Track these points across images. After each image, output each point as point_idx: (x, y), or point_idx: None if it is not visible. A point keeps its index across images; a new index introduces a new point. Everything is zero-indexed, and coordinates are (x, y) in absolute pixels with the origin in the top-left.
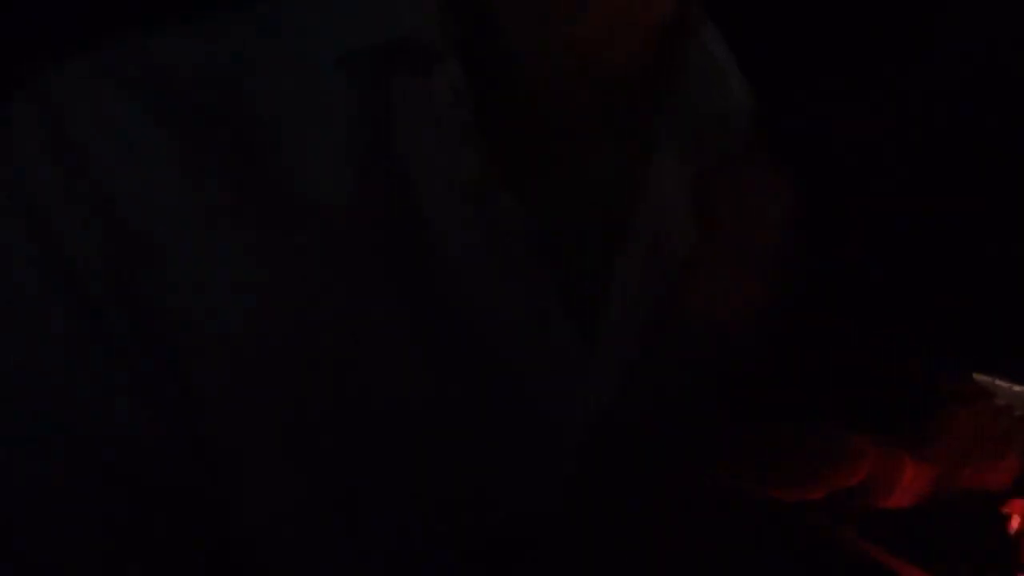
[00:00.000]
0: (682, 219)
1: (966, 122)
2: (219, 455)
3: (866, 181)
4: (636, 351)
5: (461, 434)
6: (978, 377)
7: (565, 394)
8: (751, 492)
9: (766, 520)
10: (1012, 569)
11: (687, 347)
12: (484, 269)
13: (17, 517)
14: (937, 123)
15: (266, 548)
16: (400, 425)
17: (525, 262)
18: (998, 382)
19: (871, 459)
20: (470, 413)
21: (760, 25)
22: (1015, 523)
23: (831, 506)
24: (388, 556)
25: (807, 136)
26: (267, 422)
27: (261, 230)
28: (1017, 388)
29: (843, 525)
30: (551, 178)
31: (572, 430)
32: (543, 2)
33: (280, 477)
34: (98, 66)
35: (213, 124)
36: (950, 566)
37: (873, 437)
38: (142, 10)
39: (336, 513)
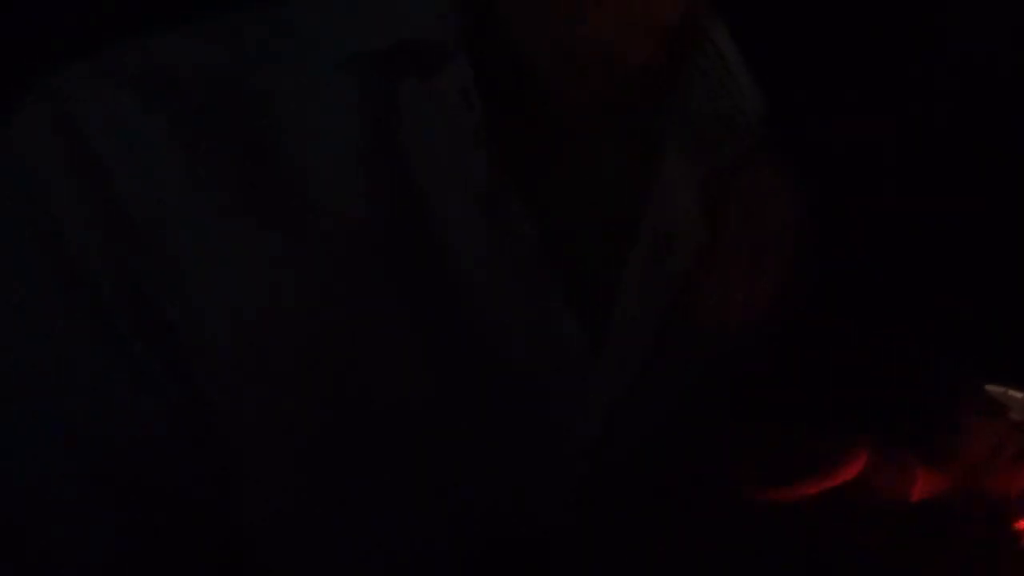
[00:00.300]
0: (690, 219)
1: (966, 122)
2: (221, 455)
3: (868, 181)
4: (643, 352)
5: (463, 435)
6: (991, 388)
7: (572, 395)
8: (751, 492)
9: (766, 520)
10: None
11: (694, 348)
12: (490, 270)
13: (17, 517)
14: (938, 123)
15: (267, 548)
16: (402, 425)
17: (531, 263)
18: (1011, 392)
19: (874, 465)
20: (473, 414)
21: (768, 26)
22: None
23: (831, 506)
24: (388, 556)
25: (810, 137)
26: (269, 422)
27: (264, 230)
28: None
29: (843, 525)
30: (558, 178)
31: (580, 431)
32: (551, 2)
33: (281, 477)
34: (100, 66)
35: (216, 124)
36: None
37: (873, 438)
38: (142, 10)
39: (336, 513)
